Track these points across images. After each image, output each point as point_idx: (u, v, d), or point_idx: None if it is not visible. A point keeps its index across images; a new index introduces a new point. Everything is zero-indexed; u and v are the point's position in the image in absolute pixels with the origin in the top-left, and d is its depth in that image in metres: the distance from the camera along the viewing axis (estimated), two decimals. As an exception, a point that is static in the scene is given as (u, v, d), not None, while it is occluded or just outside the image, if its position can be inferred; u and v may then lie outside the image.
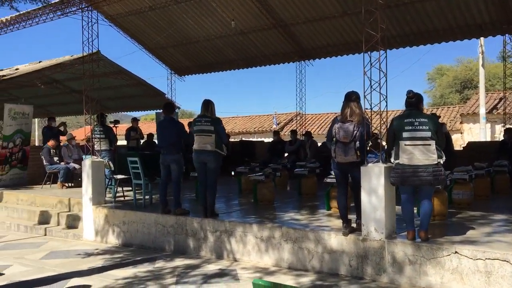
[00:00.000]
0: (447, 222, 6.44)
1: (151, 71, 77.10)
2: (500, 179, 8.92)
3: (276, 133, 13.97)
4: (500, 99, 19.73)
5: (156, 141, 13.50)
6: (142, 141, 13.87)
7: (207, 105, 7.00)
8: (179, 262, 6.67)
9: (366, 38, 5.72)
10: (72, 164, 11.70)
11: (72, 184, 11.70)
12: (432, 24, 11.16)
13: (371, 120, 5.78)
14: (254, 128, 28.45)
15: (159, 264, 6.61)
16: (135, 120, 13.78)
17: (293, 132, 13.65)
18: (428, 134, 5.14)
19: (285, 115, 30.01)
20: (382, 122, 5.65)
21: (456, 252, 4.99)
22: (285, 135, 21.37)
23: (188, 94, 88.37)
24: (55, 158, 11.78)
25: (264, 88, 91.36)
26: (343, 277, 5.64)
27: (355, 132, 5.46)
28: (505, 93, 13.86)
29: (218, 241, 6.86)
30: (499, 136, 18.74)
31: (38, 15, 8.67)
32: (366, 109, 5.71)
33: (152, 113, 28.97)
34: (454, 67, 38.79)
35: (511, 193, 8.89)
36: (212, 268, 6.30)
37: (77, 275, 6.12)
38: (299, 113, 16.07)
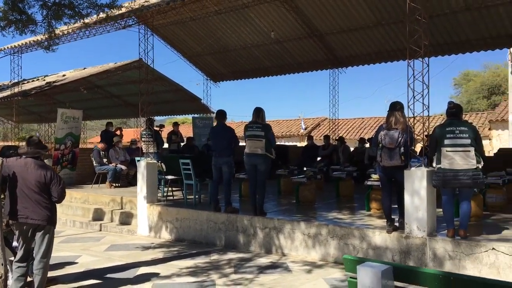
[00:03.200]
0: (482, 223, 6.92)
1: (183, 76, 78.59)
2: (532, 184, 9.30)
3: (310, 138, 14.54)
4: (529, 106, 19.92)
5: (195, 144, 14.34)
6: (182, 144, 14.58)
7: (258, 112, 7.65)
8: (232, 255, 7.30)
9: (409, 53, 6.28)
10: (120, 166, 12.47)
11: (119, 184, 12.47)
12: (465, 35, 11.58)
13: (413, 127, 6.32)
14: (282, 132, 29.03)
15: (214, 256, 7.25)
16: (176, 125, 14.51)
17: (326, 137, 14.18)
18: (468, 141, 5.66)
19: (312, 120, 30.53)
20: (424, 129, 6.20)
21: (493, 248, 5.49)
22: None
23: (218, 98, 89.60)
24: (104, 160, 12.57)
25: (289, 93, 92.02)
26: (387, 271, 6.17)
27: (400, 138, 6.01)
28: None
29: (267, 237, 7.47)
30: (528, 142, 18.95)
31: (99, 27, 9.48)
32: (410, 117, 6.26)
33: (181, 117, 29.92)
34: (481, 73, 38.80)
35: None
36: (264, 261, 6.91)
37: (144, 264, 6.80)
38: (327, 118, 16.60)
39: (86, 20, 7.91)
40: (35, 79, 17.89)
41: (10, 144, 14.23)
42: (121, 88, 17.86)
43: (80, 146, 14.61)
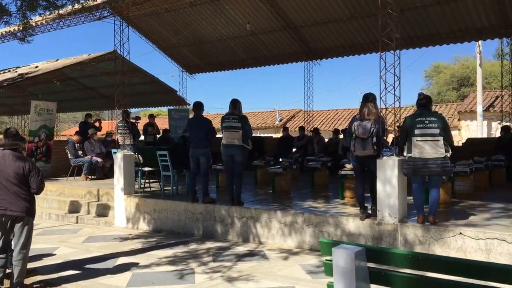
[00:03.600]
0: (450, 210, 7.23)
1: (158, 68, 77.55)
2: (497, 173, 9.73)
3: (285, 129, 14.73)
4: (497, 97, 20.57)
5: (171, 136, 14.36)
6: (158, 136, 14.58)
7: (235, 104, 7.77)
8: (210, 244, 7.43)
9: (381, 45, 6.49)
10: (95, 158, 12.41)
11: (95, 177, 12.42)
12: (435, 28, 11.92)
13: (385, 118, 6.54)
14: (257, 124, 29.18)
15: (193, 246, 7.37)
16: (152, 117, 14.49)
17: (301, 128, 14.39)
18: (437, 131, 5.90)
19: (287, 112, 30.76)
20: (396, 120, 6.42)
21: (460, 233, 5.77)
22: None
23: (194, 90, 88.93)
24: (79, 152, 12.49)
25: (265, 85, 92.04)
26: (361, 256, 6.41)
27: (372, 129, 6.22)
28: (502, 91, 14.76)
29: (244, 226, 7.62)
30: (495, 133, 19.61)
31: (73, 18, 9.38)
32: (382, 108, 6.48)
33: (156, 109, 29.70)
34: (451, 65, 39.68)
35: (507, 185, 9.71)
36: (241, 249, 7.07)
37: (123, 255, 6.87)
38: (302, 110, 16.81)
39: (61, 11, 7.85)
40: (6, 71, 17.52)
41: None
42: (95, 80, 17.66)
43: (54, 139, 14.44)
